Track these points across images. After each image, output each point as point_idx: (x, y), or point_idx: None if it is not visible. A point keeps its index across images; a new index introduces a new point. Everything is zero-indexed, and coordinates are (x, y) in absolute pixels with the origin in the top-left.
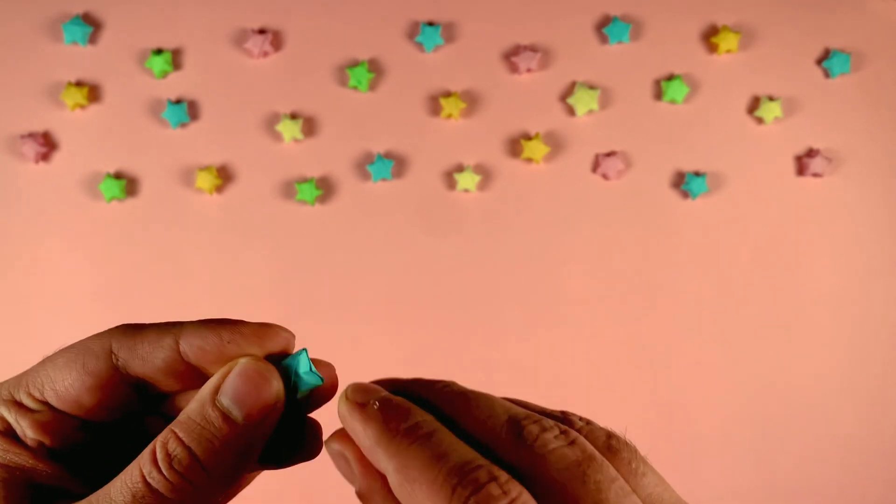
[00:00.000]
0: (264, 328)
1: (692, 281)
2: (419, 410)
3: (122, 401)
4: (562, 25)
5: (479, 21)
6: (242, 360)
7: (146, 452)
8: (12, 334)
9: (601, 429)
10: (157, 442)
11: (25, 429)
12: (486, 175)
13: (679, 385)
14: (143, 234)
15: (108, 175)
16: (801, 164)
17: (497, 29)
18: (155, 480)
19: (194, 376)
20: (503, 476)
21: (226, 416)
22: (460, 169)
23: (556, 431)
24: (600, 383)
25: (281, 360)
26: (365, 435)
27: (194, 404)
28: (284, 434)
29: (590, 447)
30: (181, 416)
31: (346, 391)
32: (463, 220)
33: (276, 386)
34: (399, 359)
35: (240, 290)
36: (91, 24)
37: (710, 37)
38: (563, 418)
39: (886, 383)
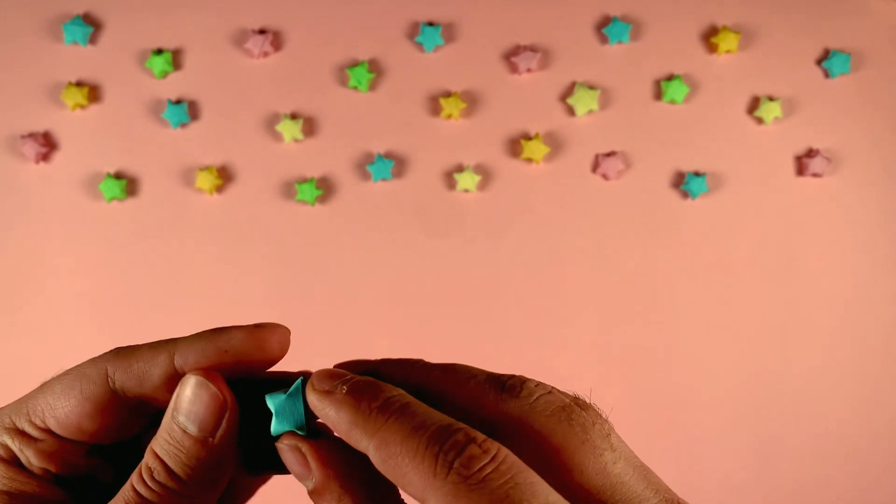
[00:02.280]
0: (257, 330)
1: (692, 281)
2: (388, 386)
3: (124, 422)
4: (562, 25)
5: (479, 21)
6: (187, 377)
7: (137, 467)
8: (12, 334)
9: (560, 397)
10: (144, 457)
11: (31, 457)
12: (486, 175)
13: (679, 385)
14: (143, 235)
15: (109, 175)
16: (801, 164)
17: (497, 29)
18: (142, 492)
19: None
20: (479, 436)
21: (184, 431)
22: (460, 169)
23: (535, 383)
24: (600, 383)
25: (265, 383)
26: (339, 419)
27: (163, 421)
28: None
29: (567, 397)
30: (157, 433)
31: (311, 381)
32: (463, 220)
33: (221, 398)
34: None
35: (240, 290)
36: (91, 25)
37: (709, 37)
38: (520, 385)
39: (886, 383)
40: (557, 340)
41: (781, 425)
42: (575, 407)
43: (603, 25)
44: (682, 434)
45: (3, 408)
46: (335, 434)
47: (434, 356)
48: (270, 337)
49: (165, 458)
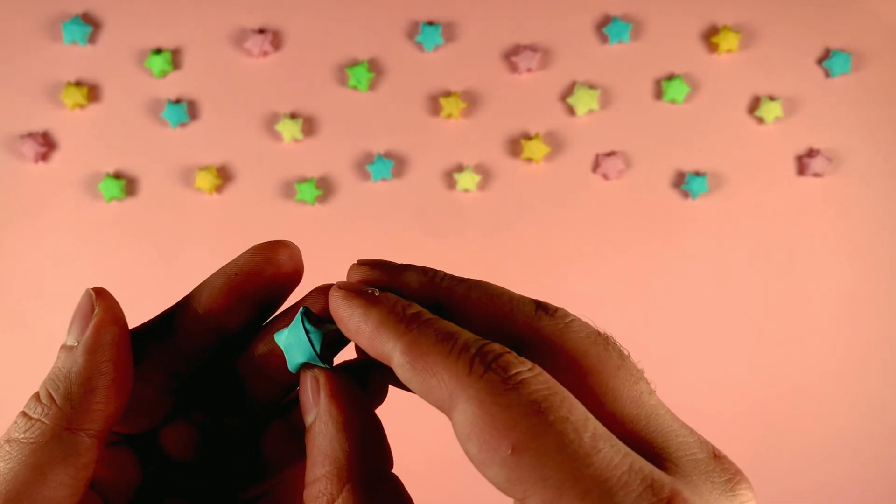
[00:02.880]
0: (264, 246)
1: (692, 281)
2: (417, 304)
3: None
4: (562, 25)
5: (479, 21)
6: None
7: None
8: (12, 334)
9: (594, 328)
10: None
11: None
12: (486, 175)
13: (679, 384)
14: (142, 234)
15: (108, 175)
16: (802, 163)
17: (497, 29)
18: (30, 412)
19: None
20: (512, 354)
21: (63, 345)
22: (460, 169)
23: (567, 311)
24: None
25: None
26: (366, 318)
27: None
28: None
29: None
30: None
31: (336, 285)
32: (463, 220)
33: (90, 300)
34: None
35: None
36: (90, 24)
37: (710, 36)
38: (555, 309)
39: (887, 383)
40: None
41: (781, 425)
42: (611, 337)
43: (603, 25)
44: None
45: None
46: (352, 339)
47: None
48: (278, 250)
49: (46, 381)
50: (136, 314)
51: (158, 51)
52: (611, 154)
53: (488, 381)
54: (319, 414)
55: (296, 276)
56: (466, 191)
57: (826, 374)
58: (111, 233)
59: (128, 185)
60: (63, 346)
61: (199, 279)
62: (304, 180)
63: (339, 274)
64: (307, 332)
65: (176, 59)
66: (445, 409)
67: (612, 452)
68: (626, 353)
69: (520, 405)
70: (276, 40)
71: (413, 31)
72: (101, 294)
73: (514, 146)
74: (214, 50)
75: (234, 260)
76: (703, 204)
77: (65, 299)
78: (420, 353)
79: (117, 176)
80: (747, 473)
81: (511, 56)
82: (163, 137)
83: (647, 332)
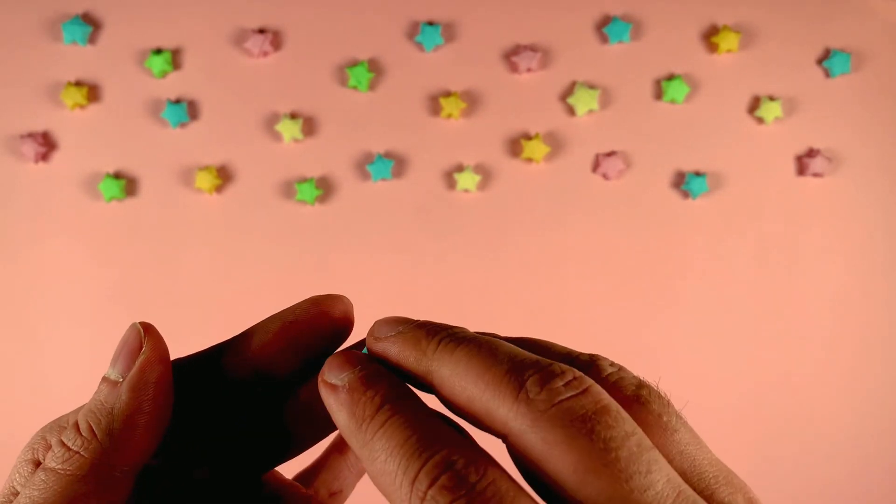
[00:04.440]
0: (321, 298)
1: (692, 280)
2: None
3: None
4: (562, 25)
5: (479, 21)
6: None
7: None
8: (12, 334)
9: (633, 377)
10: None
11: None
12: (486, 175)
13: (679, 384)
14: (142, 234)
15: (108, 175)
16: (802, 163)
17: (497, 29)
18: (69, 443)
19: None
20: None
21: (105, 378)
22: (460, 169)
23: (568, 378)
24: None
25: None
26: (403, 349)
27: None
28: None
29: (606, 398)
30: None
31: (370, 331)
32: (463, 220)
33: (139, 337)
34: None
35: (239, 290)
36: (90, 24)
37: (710, 36)
38: (591, 363)
39: (887, 383)
40: (557, 340)
41: (781, 425)
42: (605, 416)
43: (603, 25)
44: None
45: (44, 427)
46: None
47: None
48: (335, 304)
49: (87, 413)
50: (136, 314)
51: (158, 51)
52: (611, 154)
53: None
54: (359, 376)
55: (347, 330)
56: (466, 191)
57: (826, 373)
58: (111, 233)
59: (128, 185)
60: (106, 379)
61: (199, 279)
62: (303, 180)
63: (339, 273)
64: None
65: (176, 59)
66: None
67: (659, 466)
68: (622, 431)
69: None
70: (276, 40)
71: (413, 31)
72: (149, 331)
73: (514, 146)
74: (214, 50)
75: (290, 307)
76: (703, 204)
77: (64, 299)
78: (457, 390)
79: (117, 176)
80: (747, 473)
81: (511, 56)
82: (163, 137)
83: (647, 332)
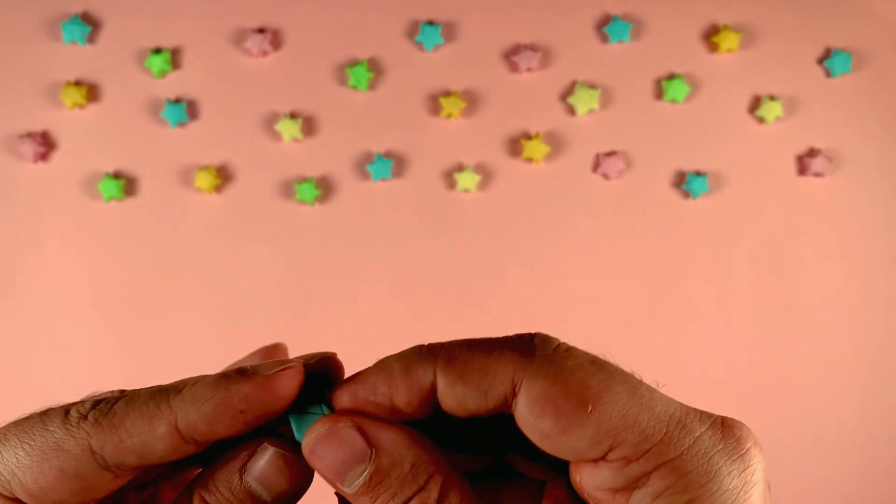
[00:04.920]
0: (267, 381)
1: (693, 281)
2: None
3: (118, 489)
4: (562, 24)
5: (479, 20)
6: (269, 449)
7: None
8: (12, 334)
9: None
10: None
11: None
12: (486, 175)
13: (679, 385)
14: (142, 234)
15: (107, 175)
16: (802, 163)
17: (497, 28)
18: None
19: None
20: (543, 333)
21: (252, 494)
22: (460, 169)
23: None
24: None
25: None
26: (392, 368)
27: (221, 473)
28: None
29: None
30: (208, 484)
31: (335, 396)
32: (463, 220)
33: (305, 474)
34: None
35: (239, 290)
36: (90, 24)
37: (710, 36)
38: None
39: (887, 383)
40: None
41: (781, 425)
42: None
43: (603, 24)
44: None
45: None
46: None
47: None
48: (281, 384)
49: None
50: (136, 314)
51: (158, 50)
52: (611, 154)
53: (542, 356)
54: (387, 457)
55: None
56: (466, 191)
57: (826, 373)
58: (110, 233)
59: (127, 185)
60: (249, 491)
61: (199, 279)
62: (303, 180)
63: (339, 273)
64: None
65: (175, 58)
66: (508, 401)
67: (658, 392)
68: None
69: (582, 367)
70: (276, 40)
71: (413, 31)
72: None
73: (515, 146)
74: (214, 50)
75: (230, 389)
76: (703, 204)
77: (64, 299)
78: (464, 362)
79: (117, 176)
80: None
81: (511, 56)
82: (162, 137)
83: (647, 332)
